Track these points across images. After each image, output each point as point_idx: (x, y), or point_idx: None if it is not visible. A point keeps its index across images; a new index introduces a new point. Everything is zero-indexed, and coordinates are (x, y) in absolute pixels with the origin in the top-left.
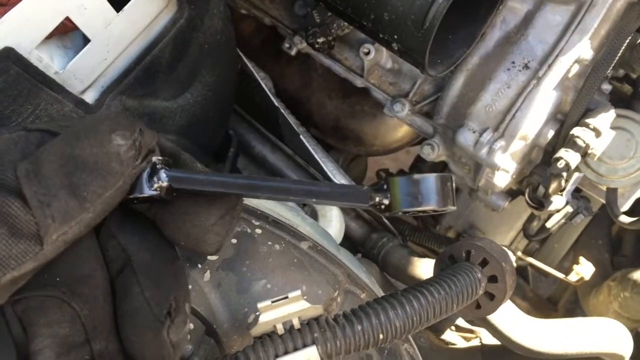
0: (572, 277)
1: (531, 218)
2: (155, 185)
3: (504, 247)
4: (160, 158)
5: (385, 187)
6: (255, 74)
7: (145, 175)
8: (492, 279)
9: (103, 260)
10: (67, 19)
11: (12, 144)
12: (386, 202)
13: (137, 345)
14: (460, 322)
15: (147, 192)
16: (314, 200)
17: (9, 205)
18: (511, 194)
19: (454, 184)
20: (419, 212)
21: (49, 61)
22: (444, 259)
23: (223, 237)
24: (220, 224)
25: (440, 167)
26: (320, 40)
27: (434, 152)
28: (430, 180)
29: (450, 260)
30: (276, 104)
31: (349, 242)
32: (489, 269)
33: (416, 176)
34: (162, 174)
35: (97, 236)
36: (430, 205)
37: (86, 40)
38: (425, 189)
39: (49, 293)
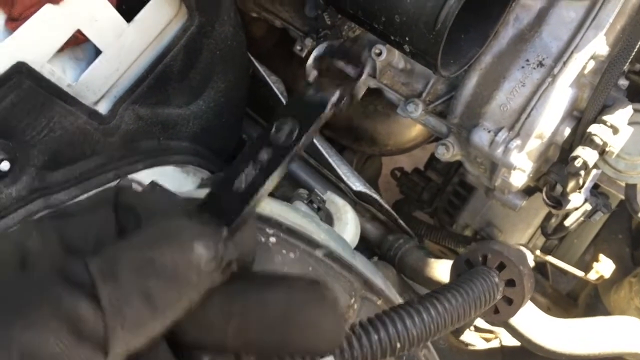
0: (592, 276)
1: (549, 216)
2: None
3: (521, 249)
4: None
5: None
6: (267, 78)
7: None
8: (510, 283)
9: None
10: (79, 31)
11: (93, 224)
12: None
13: None
14: (480, 322)
15: None
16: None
17: (79, 305)
18: (528, 191)
19: None
20: None
21: (62, 74)
22: (461, 263)
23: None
24: None
25: (456, 166)
26: None
27: (448, 152)
28: None
29: (467, 265)
30: None
31: (365, 243)
32: (506, 272)
33: None
34: None
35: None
36: None
37: (98, 52)
38: None
39: None
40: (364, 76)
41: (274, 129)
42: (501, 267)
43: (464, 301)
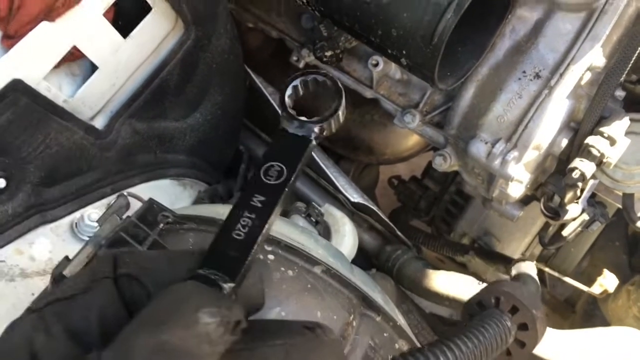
0: (596, 290)
1: (546, 226)
2: None
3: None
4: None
5: None
6: (264, 90)
7: None
8: (523, 326)
9: None
10: (75, 47)
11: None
12: None
13: None
14: None
15: None
16: None
17: None
18: (525, 199)
19: None
20: None
21: (58, 90)
22: (473, 305)
23: None
24: None
25: (453, 175)
26: (328, 53)
27: (446, 163)
28: None
29: (479, 306)
30: None
31: (362, 254)
32: (519, 316)
33: None
34: None
35: None
36: None
37: (94, 67)
38: None
39: None
40: (340, 111)
41: (262, 173)
42: (514, 310)
43: (475, 347)
